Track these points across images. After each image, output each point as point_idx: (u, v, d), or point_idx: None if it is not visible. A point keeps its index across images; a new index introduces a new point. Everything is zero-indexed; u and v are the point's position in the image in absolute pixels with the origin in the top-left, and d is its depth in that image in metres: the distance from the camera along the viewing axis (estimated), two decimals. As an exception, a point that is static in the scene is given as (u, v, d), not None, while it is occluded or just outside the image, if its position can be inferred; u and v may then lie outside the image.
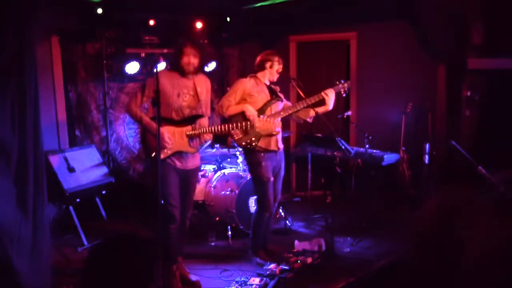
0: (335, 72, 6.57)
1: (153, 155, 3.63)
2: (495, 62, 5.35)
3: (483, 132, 5.46)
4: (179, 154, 3.70)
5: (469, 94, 5.56)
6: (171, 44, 4.32)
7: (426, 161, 5.42)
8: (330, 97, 4.00)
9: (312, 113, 4.08)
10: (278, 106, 4.15)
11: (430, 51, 5.79)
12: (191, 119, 3.73)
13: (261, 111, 4.04)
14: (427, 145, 5.40)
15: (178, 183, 3.73)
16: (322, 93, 4.01)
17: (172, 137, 3.64)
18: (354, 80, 6.30)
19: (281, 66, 4.14)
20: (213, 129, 3.73)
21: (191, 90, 3.74)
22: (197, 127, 3.71)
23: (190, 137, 3.72)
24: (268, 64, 4.09)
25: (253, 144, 3.98)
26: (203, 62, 4.08)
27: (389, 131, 5.86)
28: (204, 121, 3.82)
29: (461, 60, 5.43)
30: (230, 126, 3.83)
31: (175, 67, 3.74)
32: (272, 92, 4.15)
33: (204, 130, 3.70)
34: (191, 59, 3.68)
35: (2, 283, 2.78)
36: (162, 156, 3.55)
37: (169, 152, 3.64)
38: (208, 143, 4.83)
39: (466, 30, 5.41)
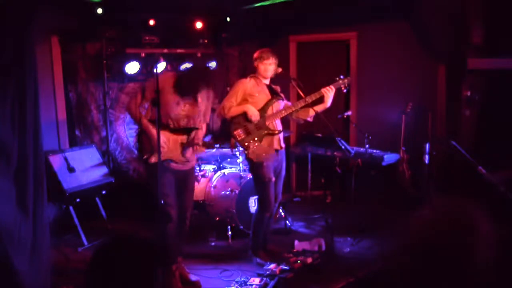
0: (335, 72, 6.53)
1: (144, 157, 3.65)
2: (495, 62, 5.35)
3: (483, 132, 5.46)
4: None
5: (469, 94, 5.56)
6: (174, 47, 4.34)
7: (426, 161, 5.42)
8: (329, 94, 3.99)
9: (311, 112, 4.08)
10: (279, 105, 4.15)
11: (430, 51, 5.79)
12: (187, 130, 3.71)
13: (262, 111, 4.04)
14: (427, 145, 5.40)
15: (173, 182, 3.72)
16: (322, 90, 4.00)
17: (167, 142, 3.63)
18: (354, 80, 6.30)
19: (268, 62, 4.03)
20: (210, 145, 3.76)
21: (191, 99, 3.71)
22: (192, 139, 3.70)
23: (185, 146, 3.71)
24: (255, 63, 4.10)
25: (256, 144, 3.99)
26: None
27: (389, 131, 5.86)
28: (200, 134, 3.82)
29: (461, 60, 5.42)
30: (230, 128, 3.86)
31: (183, 85, 3.70)
32: (272, 91, 4.15)
33: (200, 144, 3.71)
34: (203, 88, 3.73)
35: (2, 283, 2.78)
36: (153, 159, 3.57)
37: (161, 157, 3.64)
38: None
39: (466, 30, 5.41)
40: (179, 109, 3.65)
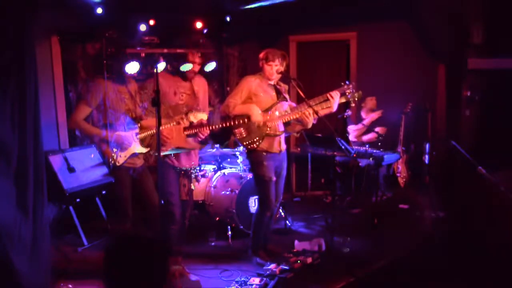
0: (335, 72, 6.57)
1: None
2: (495, 62, 5.37)
3: (483, 132, 5.47)
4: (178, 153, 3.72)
5: (469, 94, 5.57)
6: (174, 47, 4.41)
7: (426, 161, 5.42)
8: (335, 99, 3.98)
9: (313, 116, 4.05)
10: (283, 106, 4.13)
11: (430, 51, 5.79)
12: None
13: (265, 112, 4.02)
14: (427, 145, 5.40)
15: (177, 181, 3.74)
16: (328, 95, 3.99)
17: (170, 134, 3.67)
18: (354, 80, 6.30)
19: (273, 63, 3.97)
20: (213, 126, 3.75)
21: (188, 90, 3.78)
22: (189, 117, 3.70)
23: (189, 134, 3.76)
24: (260, 63, 4.06)
25: (256, 144, 3.98)
26: (202, 65, 4.10)
27: (389, 131, 5.87)
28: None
29: (461, 60, 5.44)
30: (231, 122, 3.83)
31: (176, 70, 3.78)
32: (277, 92, 4.12)
33: (203, 127, 3.72)
34: (195, 67, 3.73)
35: (2, 283, 2.78)
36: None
37: (167, 148, 3.68)
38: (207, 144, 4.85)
39: (466, 30, 5.42)
40: (177, 99, 3.75)
